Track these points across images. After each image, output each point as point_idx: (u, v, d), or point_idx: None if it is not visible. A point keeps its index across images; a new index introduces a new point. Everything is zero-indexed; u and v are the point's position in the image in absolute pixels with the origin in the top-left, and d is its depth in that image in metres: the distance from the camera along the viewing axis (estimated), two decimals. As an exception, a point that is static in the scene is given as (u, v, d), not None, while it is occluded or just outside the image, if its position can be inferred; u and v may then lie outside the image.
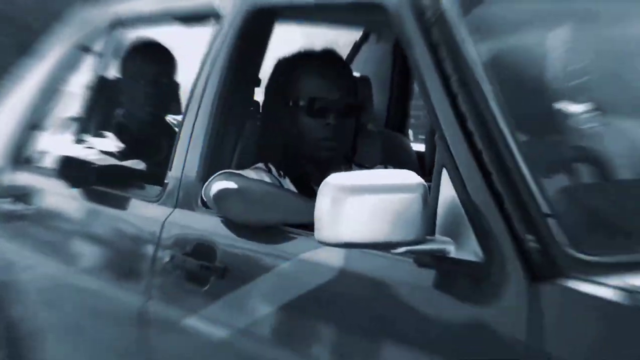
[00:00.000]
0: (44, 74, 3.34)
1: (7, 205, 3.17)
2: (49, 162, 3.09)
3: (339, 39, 3.22)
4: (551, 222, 1.59)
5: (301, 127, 2.30)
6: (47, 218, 3.01)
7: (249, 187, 2.14)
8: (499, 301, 1.60)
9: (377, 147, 2.79)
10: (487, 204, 1.65)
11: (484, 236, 1.64)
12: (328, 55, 2.42)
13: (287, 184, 2.31)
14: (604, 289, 1.48)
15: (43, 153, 3.19)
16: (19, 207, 3.13)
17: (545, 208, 1.60)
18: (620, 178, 1.82)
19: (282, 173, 2.32)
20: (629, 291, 1.43)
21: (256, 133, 2.48)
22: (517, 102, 1.82)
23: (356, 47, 3.35)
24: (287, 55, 2.43)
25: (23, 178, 3.16)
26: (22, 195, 3.12)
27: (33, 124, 3.27)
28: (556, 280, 1.54)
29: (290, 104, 2.32)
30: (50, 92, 3.27)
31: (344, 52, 3.30)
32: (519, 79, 1.89)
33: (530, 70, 1.95)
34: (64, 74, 3.24)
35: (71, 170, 2.85)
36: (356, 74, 3.08)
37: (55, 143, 3.12)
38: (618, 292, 1.45)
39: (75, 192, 2.84)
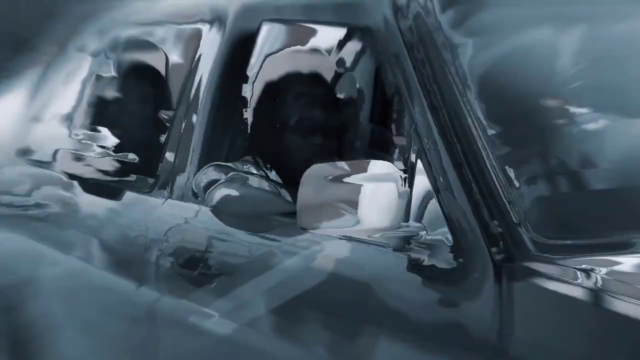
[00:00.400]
0: (44, 71, 3.50)
1: (8, 197, 3.33)
2: (48, 155, 3.25)
3: (327, 36, 3.34)
4: (515, 209, 1.73)
5: (288, 144, 2.43)
6: (46, 209, 3.13)
7: (250, 195, 2.26)
8: (466, 281, 1.74)
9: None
10: (457, 193, 1.79)
11: (453, 222, 1.78)
12: (314, 80, 2.55)
13: (273, 175, 2.44)
14: (559, 268, 1.62)
15: (43, 147, 3.31)
16: (20, 199, 3.28)
17: (509, 197, 1.74)
18: (585, 170, 1.96)
19: (268, 166, 2.45)
20: (580, 270, 1.57)
21: (245, 128, 2.62)
22: (488, 101, 1.96)
23: (341, 44, 3.47)
24: (275, 77, 2.56)
25: (24, 172, 3.31)
26: (23, 188, 3.27)
27: (32, 119, 3.44)
28: (518, 260, 1.68)
29: (278, 125, 2.46)
30: (49, 88, 3.42)
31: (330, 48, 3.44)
32: (491, 79, 2.03)
33: (502, 71, 2.08)
34: (61, 71, 3.39)
35: (72, 163, 3.01)
36: (341, 95, 3.20)
37: (54, 137, 3.26)
38: (571, 271, 1.59)
39: (72, 183, 2.99)
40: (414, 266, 1.83)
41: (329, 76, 2.62)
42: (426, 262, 1.82)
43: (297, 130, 2.40)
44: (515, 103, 1.98)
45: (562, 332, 1.59)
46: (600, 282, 1.57)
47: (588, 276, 1.57)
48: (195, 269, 2.36)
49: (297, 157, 2.40)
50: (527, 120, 2.07)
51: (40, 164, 3.26)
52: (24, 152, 3.38)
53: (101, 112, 3.17)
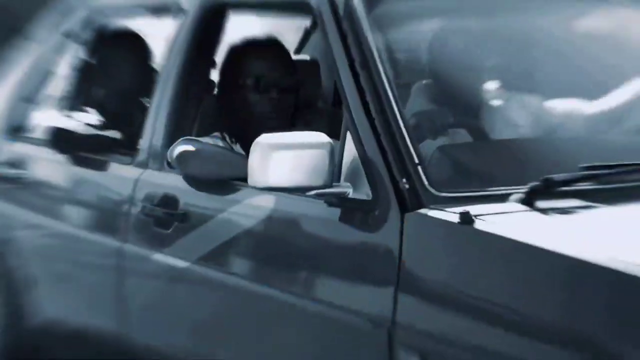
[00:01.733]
0: (34, 56, 3.89)
1: (4, 170, 3.71)
2: (39, 133, 3.63)
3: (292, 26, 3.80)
4: (419, 170, 2.22)
5: (249, 102, 2.92)
6: (39, 180, 3.55)
7: (205, 149, 2.75)
8: (382, 227, 2.22)
9: (323, 122, 3.40)
10: (376, 158, 2.28)
11: (373, 181, 2.27)
12: (270, 42, 3.05)
13: (238, 148, 2.91)
14: (450, 214, 2.10)
15: (34, 125, 3.70)
16: (14, 172, 3.66)
17: (415, 160, 2.24)
18: (473, 139, 2.46)
19: (234, 140, 2.93)
20: (464, 213, 2.07)
21: (213, 108, 3.10)
22: (405, 82, 2.45)
23: (307, 33, 3.94)
24: (236, 42, 3.05)
25: (17, 147, 3.71)
26: (16, 162, 3.67)
27: (25, 100, 3.81)
28: (419, 210, 2.17)
29: (240, 82, 2.95)
30: (40, 72, 3.81)
31: (295, 38, 3.90)
32: (408, 63, 2.52)
33: (419, 55, 2.58)
34: (51, 57, 3.77)
35: (59, 139, 3.46)
36: (306, 57, 3.69)
37: (45, 117, 3.63)
38: (457, 215, 2.08)
39: (62, 157, 3.46)
40: (344, 218, 2.31)
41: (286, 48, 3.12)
42: (353, 214, 2.30)
43: (256, 89, 2.85)
44: (424, 79, 2.48)
45: (444, 261, 2.09)
46: (477, 224, 2.07)
47: (467, 219, 2.07)
48: (160, 222, 2.85)
49: (258, 117, 2.86)
50: (435, 95, 2.58)
51: (34, 140, 3.64)
52: (15, 130, 3.78)
53: (89, 95, 3.63)
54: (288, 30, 3.62)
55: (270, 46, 3.03)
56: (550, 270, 1.94)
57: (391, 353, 2.10)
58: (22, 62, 3.97)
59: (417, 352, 2.05)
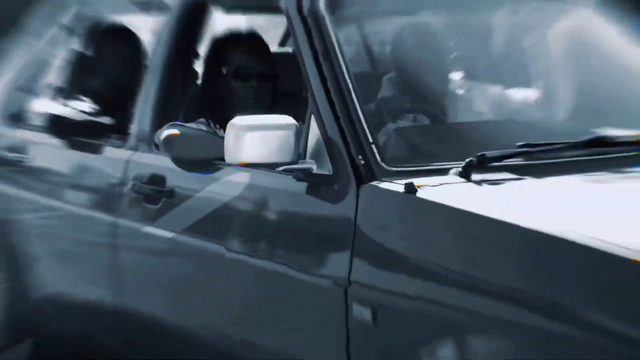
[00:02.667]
0: (31, 48, 4.21)
1: (4, 155, 4.04)
2: (37, 120, 3.96)
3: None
4: (373, 148, 2.59)
5: (231, 89, 3.29)
6: (38, 164, 3.88)
7: (189, 133, 3.11)
8: (342, 198, 2.57)
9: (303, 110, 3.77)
10: (336, 138, 2.65)
11: (333, 158, 2.63)
12: (250, 35, 3.42)
13: (221, 132, 3.28)
14: (397, 185, 2.46)
15: (32, 113, 4.02)
16: (14, 156, 3.99)
17: (370, 139, 2.61)
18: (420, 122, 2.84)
19: (217, 125, 3.30)
20: (408, 184, 2.44)
21: (197, 96, 3.48)
22: (363, 72, 2.82)
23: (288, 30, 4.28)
24: (219, 35, 3.43)
25: (16, 133, 4.05)
26: (16, 147, 4.00)
27: (23, 89, 4.13)
28: (372, 182, 2.53)
29: (222, 72, 3.32)
30: (36, 63, 4.15)
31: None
32: (368, 56, 2.90)
33: (378, 48, 2.95)
34: (47, 49, 4.10)
35: (56, 125, 3.83)
36: (288, 49, 4.04)
37: (43, 104, 3.97)
38: (403, 186, 2.44)
39: (59, 142, 3.81)
40: (309, 191, 2.66)
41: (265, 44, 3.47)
42: (317, 187, 2.66)
43: (237, 77, 3.22)
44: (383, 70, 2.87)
45: (391, 226, 2.45)
46: (419, 193, 2.44)
47: (411, 189, 2.45)
48: (149, 199, 3.21)
49: (239, 104, 3.20)
50: (401, 84, 2.96)
51: (33, 126, 3.98)
52: (14, 117, 4.12)
53: (84, 85, 3.99)
54: (274, 25, 3.99)
55: (249, 39, 3.41)
56: (479, 232, 2.31)
57: (347, 307, 2.47)
58: (18, 55, 4.30)
59: (369, 305, 2.43)
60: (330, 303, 2.51)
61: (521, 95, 3.24)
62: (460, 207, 2.35)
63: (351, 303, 2.45)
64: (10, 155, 4.04)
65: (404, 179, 2.49)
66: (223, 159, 2.80)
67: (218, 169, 2.99)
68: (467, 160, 2.51)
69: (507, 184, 2.49)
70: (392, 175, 2.53)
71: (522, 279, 2.20)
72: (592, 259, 2.10)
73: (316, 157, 2.68)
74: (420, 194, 2.43)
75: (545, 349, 2.11)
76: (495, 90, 3.24)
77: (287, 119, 2.67)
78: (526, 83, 3.28)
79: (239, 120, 2.66)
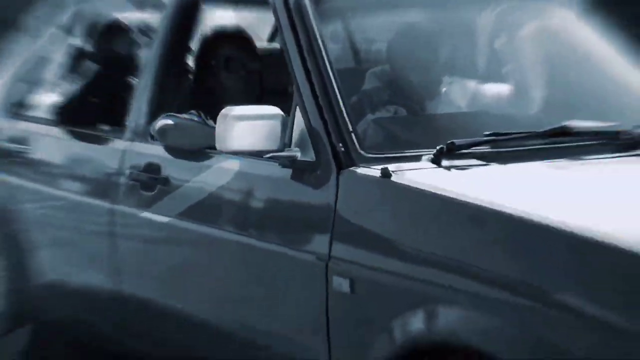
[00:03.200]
0: (30, 46, 4.46)
1: (6, 145, 4.28)
2: (39, 112, 4.21)
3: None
4: (352, 136, 2.85)
5: (220, 81, 3.56)
6: (39, 153, 4.11)
7: (182, 123, 3.36)
8: (324, 183, 2.82)
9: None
10: (318, 128, 2.91)
11: (316, 146, 2.89)
12: (237, 31, 3.69)
13: (211, 123, 3.54)
14: (373, 170, 2.72)
15: (32, 106, 4.27)
16: (15, 147, 4.22)
17: (350, 129, 2.87)
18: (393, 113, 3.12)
19: (207, 116, 3.56)
20: (384, 169, 2.70)
21: (190, 88, 3.75)
22: (348, 66, 3.09)
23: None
24: (209, 32, 3.70)
25: (17, 125, 4.27)
26: (17, 138, 4.22)
27: (23, 83, 4.37)
28: (351, 168, 2.79)
29: (212, 65, 3.59)
30: (36, 60, 4.39)
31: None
32: (350, 50, 3.16)
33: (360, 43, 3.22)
34: (47, 46, 4.34)
35: (57, 116, 4.10)
36: (277, 45, 4.29)
37: (43, 97, 4.23)
38: (379, 171, 2.70)
39: (59, 132, 4.03)
40: (294, 177, 2.92)
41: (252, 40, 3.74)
42: (301, 173, 2.90)
43: (226, 69, 3.50)
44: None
45: (368, 207, 2.71)
46: (393, 177, 2.70)
47: (386, 173, 2.71)
48: (145, 186, 3.45)
49: (228, 95, 3.45)
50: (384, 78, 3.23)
51: (30, 118, 4.22)
52: (15, 109, 4.34)
53: (85, 80, 4.25)
54: (264, 22, 4.24)
55: (236, 35, 3.68)
56: (447, 213, 2.57)
57: (327, 279, 2.73)
58: (18, 53, 4.54)
59: (348, 277, 2.69)
60: (313, 276, 2.77)
61: (494, 89, 3.51)
62: (430, 190, 2.61)
63: (331, 276, 2.71)
64: (11, 146, 4.26)
65: (380, 164, 2.75)
66: (214, 148, 3.05)
67: (209, 157, 3.23)
68: (437, 147, 2.78)
69: (473, 169, 2.76)
70: (369, 162, 2.79)
71: (486, 256, 2.45)
72: (551, 237, 2.36)
73: (300, 145, 2.94)
74: (394, 178, 2.69)
75: (506, 318, 2.36)
76: (470, 84, 3.50)
77: (274, 110, 2.93)
78: (499, 78, 3.55)
79: (228, 111, 2.92)
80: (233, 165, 3.13)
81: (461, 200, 2.55)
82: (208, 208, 3.22)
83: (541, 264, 2.36)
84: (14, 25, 4.72)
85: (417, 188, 2.63)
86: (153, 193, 3.42)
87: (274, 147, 2.91)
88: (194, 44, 3.79)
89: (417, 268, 2.55)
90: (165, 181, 3.39)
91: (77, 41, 4.27)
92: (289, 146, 2.96)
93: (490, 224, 2.46)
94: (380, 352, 2.56)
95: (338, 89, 2.94)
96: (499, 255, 2.44)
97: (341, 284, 2.68)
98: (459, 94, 3.43)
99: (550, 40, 3.67)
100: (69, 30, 4.31)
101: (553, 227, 2.35)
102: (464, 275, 2.46)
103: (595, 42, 3.63)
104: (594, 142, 2.98)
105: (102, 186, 3.70)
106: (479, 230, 2.51)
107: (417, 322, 2.49)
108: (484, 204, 2.49)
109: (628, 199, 2.56)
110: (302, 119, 2.97)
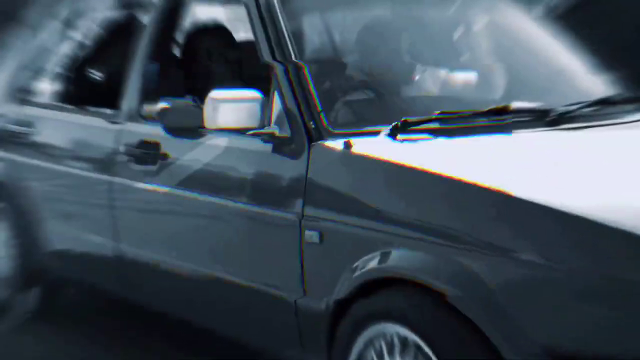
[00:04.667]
0: (33, 38, 5.01)
1: (12, 127, 4.80)
2: (43, 97, 4.82)
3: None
4: (322, 115, 3.44)
5: (205, 70, 4.18)
6: (44, 133, 4.68)
7: (178, 105, 3.91)
8: (298, 155, 3.37)
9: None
10: (293, 108, 3.49)
11: (291, 123, 3.46)
12: (218, 26, 4.32)
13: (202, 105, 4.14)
14: (338, 143, 3.30)
15: (36, 91, 4.85)
16: (21, 129, 4.73)
17: (319, 109, 3.47)
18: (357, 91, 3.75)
19: (197, 100, 4.15)
20: (346, 142, 3.31)
21: (176, 76, 4.35)
22: (317, 55, 3.72)
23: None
24: (193, 27, 4.32)
25: (23, 109, 4.82)
26: (23, 121, 4.76)
27: (27, 72, 4.94)
28: (319, 141, 3.37)
29: (197, 56, 4.21)
30: (37, 50, 4.96)
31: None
32: (318, 44, 3.79)
33: (325, 35, 3.86)
34: (49, 38, 4.92)
35: (61, 100, 4.69)
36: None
37: (48, 85, 4.82)
38: (341, 144, 3.30)
39: (62, 114, 4.66)
40: (274, 150, 3.45)
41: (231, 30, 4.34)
42: (280, 147, 3.44)
43: (209, 59, 4.12)
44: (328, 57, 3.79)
45: (334, 173, 3.28)
46: (354, 148, 3.32)
47: (349, 146, 3.32)
48: (140, 160, 4.01)
49: (212, 81, 4.00)
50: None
51: (34, 103, 4.76)
52: (20, 95, 4.90)
53: (84, 69, 4.80)
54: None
55: (218, 29, 4.31)
56: (396, 176, 3.17)
57: (301, 232, 3.32)
58: (20, 44, 5.08)
59: (317, 231, 3.28)
60: (290, 231, 3.35)
61: (454, 75, 4.15)
62: (382, 158, 3.20)
63: (304, 230, 3.32)
64: (18, 128, 4.79)
65: (345, 139, 3.35)
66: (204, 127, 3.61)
67: (201, 135, 3.71)
68: (393, 124, 3.40)
69: (422, 142, 3.36)
70: (336, 137, 3.36)
71: (426, 210, 3.04)
72: (477, 194, 2.94)
73: (278, 123, 3.50)
74: (354, 149, 3.29)
75: (437, 255, 2.95)
76: (431, 71, 4.13)
77: (254, 93, 3.53)
78: (458, 66, 4.18)
79: (215, 94, 3.49)
80: (221, 141, 3.69)
81: (407, 166, 3.13)
82: (198, 178, 3.77)
83: (469, 215, 2.94)
84: (16, 18, 5.26)
85: (372, 157, 3.22)
86: (147, 166, 3.96)
87: (255, 125, 3.48)
88: (181, 37, 4.43)
89: (372, 222, 3.13)
90: (158, 156, 3.95)
91: (76, 33, 4.86)
92: (269, 124, 3.52)
93: (430, 185, 3.06)
94: (343, 287, 3.16)
95: (309, 75, 3.55)
96: (437, 209, 3.01)
97: (312, 236, 3.28)
98: (420, 80, 4.06)
99: (500, 33, 4.31)
100: (68, 23, 4.89)
101: (480, 186, 2.94)
102: (409, 226, 3.03)
103: (536, 33, 4.28)
104: (528, 119, 3.60)
105: (101, 162, 4.20)
106: (421, 190, 3.09)
107: (372, 263, 3.08)
108: (425, 169, 3.09)
109: (546, 164, 3.19)
110: (279, 101, 3.53)
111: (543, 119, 3.57)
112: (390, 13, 4.08)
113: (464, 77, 4.11)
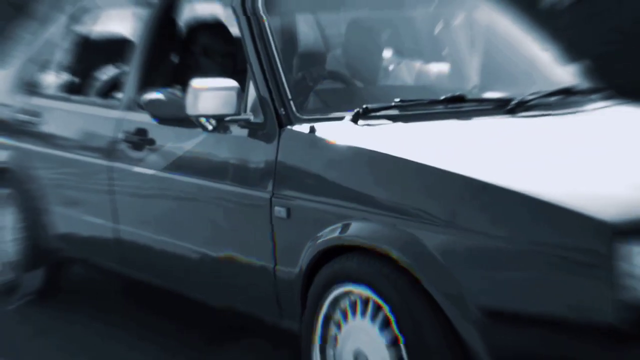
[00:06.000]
0: (41, 31, 5.40)
1: (21, 116, 5.20)
2: (50, 89, 5.22)
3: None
4: (291, 103, 3.85)
5: (199, 64, 4.61)
6: (50, 122, 5.07)
7: (167, 97, 4.34)
8: (270, 139, 3.78)
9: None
10: (266, 96, 3.89)
11: (264, 111, 3.90)
12: (214, 21, 4.73)
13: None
14: (304, 128, 3.70)
15: (43, 83, 5.26)
16: (29, 118, 5.11)
17: (289, 97, 3.87)
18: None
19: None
20: (311, 127, 3.72)
21: (173, 69, 4.78)
22: (292, 52, 4.16)
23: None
24: (190, 23, 4.75)
25: (30, 100, 5.23)
26: (30, 110, 5.17)
27: (35, 65, 5.35)
28: (289, 126, 3.78)
29: (193, 50, 4.64)
30: (45, 44, 5.36)
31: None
32: (295, 40, 4.22)
33: (304, 34, 4.28)
34: (56, 33, 5.31)
35: (67, 91, 5.12)
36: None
37: (54, 77, 5.22)
38: (308, 128, 3.72)
39: (66, 105, 5.10)
40: (250, 134, 3.89)
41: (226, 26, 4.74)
42: (255, 132, 3.88)
43: (204, 54, 4.52)
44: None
45: (299, 156, 3.67)
46: (318, 133, 3.73)
47: (313, 130, 3.74)
48: (136, 146, 4.44)
49: (206, 75, 4.43)
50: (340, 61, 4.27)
51: (41, 94, 5.14)
52: (27, 86, 5.32)
53: (87, 64, 5.21)
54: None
55: (214, 25, 4.73)
56: (354, 157, 3.57)
57: (271, 208, 3.73)
58: (29, 38, 5.45)
59: (285, 207, 3.69)
60: (262, 207, 3.76)
61: (428, 67, 4.56)
62: (343, 141, 3.63)
63: (274, 206, 3.73)
64: (26, 117, 5.15)
65: (311, 124, 3.78)
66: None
67: (187, 123, 4.16)
68: (355, 110, 3.82)
69: (381, 127, 3.77)
70: (303, 122, 3.77)
71: (379, 188, 3.44)
72: (421, 172, 3.33)
73: (253, 110, 3.92)
74: (318, 133, 3.70)
75: (385, 225, 3.35)
76: (409, 64, 4.55)
77: (232, 82, 3.94)
78: (427, 58, 4.59)
79: (196, 83, 3.90)
80: (202, 128, 4.10)
81: (365, 148, 3.53)
82: (185, 162, 4.18)
83: (416, 191, 3.34)
84: (26, 13, 5.64)
85: (334, 140, 3.63)
86: (142, 152, 4.42)
87: (232, 112, 3.89)
88: (178, 32, 4.81)
89: (334, 198, 3.54)
90: (152, 142, 4.39)
91: (81, 28, 5.25)
92: (245, 111, 3.94)
93: (383, 165, 3.46)
94: (308, 255, 3.56)
95: (281, 68, 3.94)
96: (390, 187, 3.40)
97: (280, 212, 3.69)
98: (395, 71, 4.47)
99: (475, 28, 4.72)
100: (74, 19, 5.28)
101: (424, 165, 3.33)
102: (366, 201, 3.43)
103: (508, 28, 4.67)
104: (481, 107, 4.00)
105: (102, 149, 4.58)
106: (376, 170, 3.49)
107: (333, 233, 3.48)
108: (379, 150, 3.50)
109: (490, 145, 3.59)
110: (254, 90, 3.93)
111: (503, 107, 3.97)
112: (369, 9, 4.46)
113: (437, 68, 4.50)
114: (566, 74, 4.44)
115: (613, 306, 2.85)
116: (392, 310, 3.27)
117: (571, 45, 4.89)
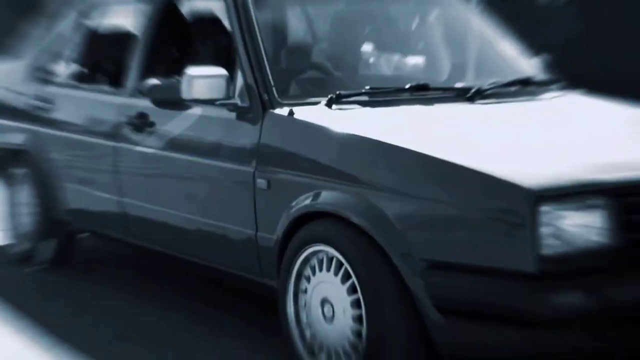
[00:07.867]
0: (53, 24, 5.96)
1: (35, 102, 5.76)
2: (60, 77, 5.80)
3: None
4: (273, 89, 4.39)
5: (195, 55, 5.20)
6: (61, 107, 5.63)
7: (166, 83, 4.90)
8: (255, 121, 4.32)
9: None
10: (252, 83, 4.43)
11: (250, 95, 4.45)
12: (210, 16, 5.31)
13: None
14: (284, 111, 4.26)
15: (56, 72, 5.81)
16: (42, 104, 5.72)
17: (272, 84, 4.42)
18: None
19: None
20: (290, 110, 4.28)
21: (171, 60, 5.37)
22: (277, 44, 4.73)
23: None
24: (187, 18, 5.34)
25: (43, 88, 5.79)
26: (43, 97, 5.73)
27: (48, 54, 5.90)
28: (271, 110, 4.34)
29: (191, 43, 5.23)
30: (57, 36, 5.91)
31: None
32: (281, 33, 4.80)
33: (288, 27, 4.87)
34: (66, 26, 5.88)
35: (77, 79, 5.70)
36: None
37: (65, 67, 5.79)
38: (287, 111, 4.29)
39: (75, 92, 5.65)
40: (237, 117, 4.45)
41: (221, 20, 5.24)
42: (242, 115, 4.44)
43: (203, 43, 5.08)
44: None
45: (279, 136, 4.24)
46: (296, 115, 4.31)
47: (291, 113, 4.31)
48: (138, 128, 5.01)
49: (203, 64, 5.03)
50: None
51: (51, 82, 5.72)
52: (40, 75, 5.87)
53: (92, 52, 5.78)
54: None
55: (209, 19, 5.32)
56: (326, 137, 4.16)
57: (254, 181, 4.27)
58: (41, 31, 5.97)
59: (266, 179, 4.23)
60: (246, 180, 4.31)
61: (405, 60, 5.14)
62: (317, 123, 4.19)
63: (256, 179, 4.28)
64: (39, 103, 5.69)
65: (290, 108, 4.36)
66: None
67: (184, 106, 4.71)
68: (329, 96, 4.40)
69: (352, 111, 4.35)
70: (284, 106, 4.33)
71: (344, 162, 3.98)
72: (378, 149, 3.89)
73: (240, 95, 4.47)
74: (296, 116, 4.26)
75: (351, 194, 3.89)
76: (388, 56, 5.13)
77: (221, 70, 4.50)
78: (411, 52, 5.15)
79: (190, 70, 4.44)
80: (197, 111, 4.67)
81: (335, 129, 4.10)
82: (180, 141, 4.73)
83: (375, 166, 3.89)
84: (37, 9, 6.16)
85: (309, 122, 4.19)
86: (143, 134, 4.96)
87: (222, 97, 4.44)
88: (177, 26, 5.38)
89: (307, 172, 4.08)
90: (151, 124, 4.95)
91: (90, 23, 5.80)
92: (233, 96, 4.49)
93: (350, 143, 4.03)
94: (284, 221, 4.11)
95: (266, 56, 4.51)
96: (354, 162, 3.95)
97: (262, 184, 4.24)
98: (374, 63, 5.05)
99: (448, 24, 5.27)
100: (84, 15, 5.83)
101: (382, 142, 3.90)
102: (334, 174, 3.97)
103: (478, 24, 5.24)
104: (444, 95, 4.57)
105: (109, 129, 5.13)
106: (343, 147, 4.06)
107: (306, 201, 4.03)
108: (347, 131, 4.06)
109: (444, 126, 4.17)
110: (241, 80, 4.48)
111: (463, 95, 4.53)
112: (352, 6, 5.01)
113: (413, 61, 5.07)
114: (528, 67, 4.98)
115: (534, 259, 3.43)
116: (352, 266, 3.85)
117: (536, 40, 5.47)
